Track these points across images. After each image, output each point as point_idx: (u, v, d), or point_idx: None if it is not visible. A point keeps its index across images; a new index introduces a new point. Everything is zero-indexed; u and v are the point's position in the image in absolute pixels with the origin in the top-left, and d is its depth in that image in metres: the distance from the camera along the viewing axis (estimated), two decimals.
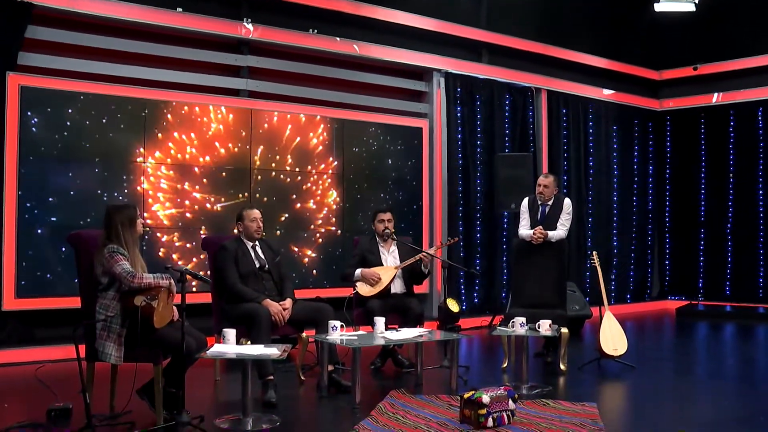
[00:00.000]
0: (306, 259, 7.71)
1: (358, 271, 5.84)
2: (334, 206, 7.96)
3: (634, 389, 5.40)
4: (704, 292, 10.73)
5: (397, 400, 4.69)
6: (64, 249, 6.22)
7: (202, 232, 7.02)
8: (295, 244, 7.65)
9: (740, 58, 10.26)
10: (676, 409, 4.79)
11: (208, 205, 7.13)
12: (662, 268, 11.29)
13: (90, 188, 6.52)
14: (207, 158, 7.14)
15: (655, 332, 8.82)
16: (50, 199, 6.35)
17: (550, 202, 6.16)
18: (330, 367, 5.04)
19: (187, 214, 7.02)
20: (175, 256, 6.90)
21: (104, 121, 6.61)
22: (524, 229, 6.19)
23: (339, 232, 7.97)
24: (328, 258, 7.85)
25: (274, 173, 7.55)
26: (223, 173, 7.23)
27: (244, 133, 7.36)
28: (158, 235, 6.85)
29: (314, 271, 7.73)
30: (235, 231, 5.47)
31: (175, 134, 6.98)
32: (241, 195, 7.29)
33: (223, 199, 7.20)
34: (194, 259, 6.98)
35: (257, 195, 7.41)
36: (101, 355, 4.03)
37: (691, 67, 10.79)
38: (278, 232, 7.50)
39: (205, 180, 7.12)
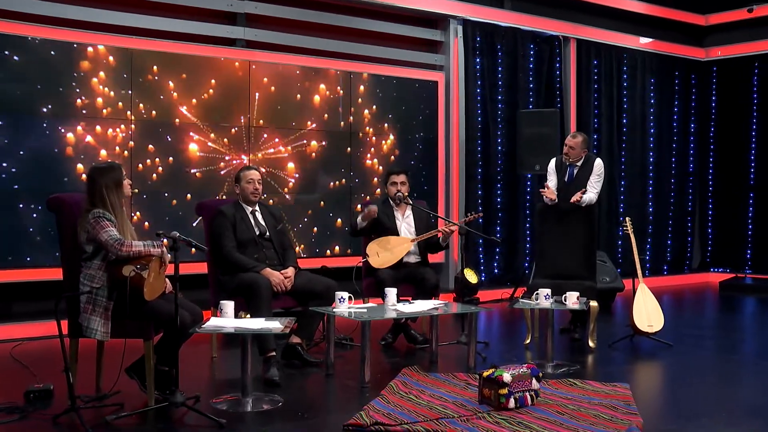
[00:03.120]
0: (300, 224, 7.75)
1: (359, 218, 5.91)
2: (337, 166, 7.97)
3: (671, 369, 5.42)
4: (752, 263, 10.67)
5: (410, 378, 4.73)
6: (43, 215, 6.25)
7: (188, 196, 7.03)
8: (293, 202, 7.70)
9: None
10: (717, 391, 4.80)
11: (196, 167, 7.15)
12: (704, 236, 11.25)
13: (70, 146, 6.52)
14: (199, 115, 7.13)
15: (695, 307, 8.84)
16: (23, 159, 6.32)
17: (579, 163, 6.15)
18: (296, 339, 5.14)
19: (173, 175, 7.02)
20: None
21: (84, 73, 6.59)
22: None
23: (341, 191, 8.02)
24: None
25: (273, 131, 7.54)
26: (218, 130, 7.23)
27: (240, 88, 7.33)
28: (144, 197, 6.90)
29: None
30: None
31: (163, 87, 6.96)
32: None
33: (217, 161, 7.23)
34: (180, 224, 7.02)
35: (253, 155, 7.41)
36: (86, 331, 4.06)
37: (746, 8, 10.36)
38: (271, 201, 7.53)
39: (196, 137, 7.13)
